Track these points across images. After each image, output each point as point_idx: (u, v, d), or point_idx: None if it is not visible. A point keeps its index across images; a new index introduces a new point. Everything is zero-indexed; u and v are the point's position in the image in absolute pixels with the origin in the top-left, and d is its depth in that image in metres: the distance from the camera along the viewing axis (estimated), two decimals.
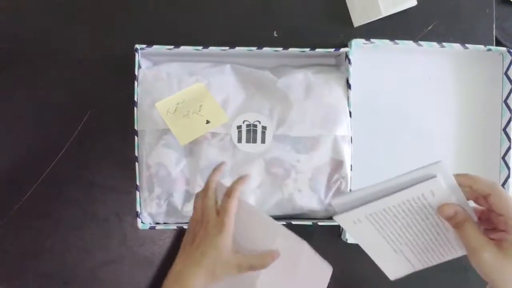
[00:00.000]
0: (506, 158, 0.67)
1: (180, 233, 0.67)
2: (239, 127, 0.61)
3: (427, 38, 0.69)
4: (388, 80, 0.68)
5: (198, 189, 0.60)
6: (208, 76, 0.62)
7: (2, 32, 0.65)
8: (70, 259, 0.66)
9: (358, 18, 0.67)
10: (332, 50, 0.62)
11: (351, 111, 0.62)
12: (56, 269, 0.66)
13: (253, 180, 0.61)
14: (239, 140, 0.61)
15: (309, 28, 0.68)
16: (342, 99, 0.62)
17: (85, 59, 0.65)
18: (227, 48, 0.60)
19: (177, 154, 0.60)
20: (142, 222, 0.61)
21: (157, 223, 0.62)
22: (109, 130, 0.65)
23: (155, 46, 0.60)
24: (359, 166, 0.63)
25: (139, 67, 0.61)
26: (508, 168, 0.67)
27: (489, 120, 0.69)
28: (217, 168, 0.52)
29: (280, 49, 0.61)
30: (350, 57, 0.62)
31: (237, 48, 0.61)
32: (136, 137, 0.60)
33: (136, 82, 0.60)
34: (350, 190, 0.62)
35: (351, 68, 0.62)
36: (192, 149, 0.61)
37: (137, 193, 0.60)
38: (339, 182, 0.62)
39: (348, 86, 0.63)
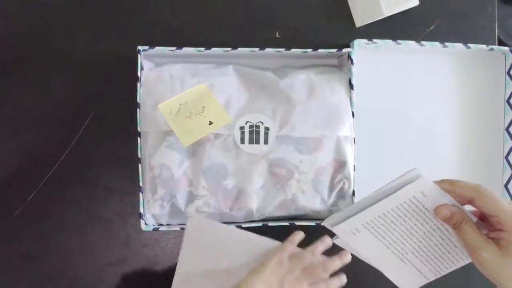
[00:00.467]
0: (509, 157, 0.67)
1: (180, 234, 0.67)
2: (241, 128, 0.61)
3: (429, 38, 0.69)
4: (390, 80, 0.68)
5: (201, 190, 0.60)
6: (211, 77, 0.61)
7: (4, 32, 0.65)
8: (73, 260, 0.66)
9: (360, 19, 0.67)
10: (334, 50, 0.62)
11: (354, 111, 0.62)
12: (59, 271, 0.66)
13: (256, 181, 0.61)
14: (242, 141, 0.61)
15: (311, 28, 0.68)
16: (344, 100, 0.62)
17: (88, 61, 0.65)
18: (229, 49, 0.60)
19: (180, 155, 0.60)
20: (145, 223, 0.61)
21: (160, 225, 0.62)
22: (111, 131, 0.65)
23: (157, 48, 0.60)
24: (362, 167, 0.63)
25: (142, 68, 0.61)
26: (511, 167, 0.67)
27: (492, 120, 0.69)
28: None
29: (282, 50, 0.61)
30: (353, 57, 0.62)
31: (239, 49, 0.61)
32: (139, 138, 0.60)
33: (138, 84, 0.60)
34: (353, 191, 0.62)
35: (354, 69, 0.62)
36: (195, 150, 0.61)
37: (140, 194, 0.60)
38: (342, 183, 0.62)
39: (351, 86, 0.63)
